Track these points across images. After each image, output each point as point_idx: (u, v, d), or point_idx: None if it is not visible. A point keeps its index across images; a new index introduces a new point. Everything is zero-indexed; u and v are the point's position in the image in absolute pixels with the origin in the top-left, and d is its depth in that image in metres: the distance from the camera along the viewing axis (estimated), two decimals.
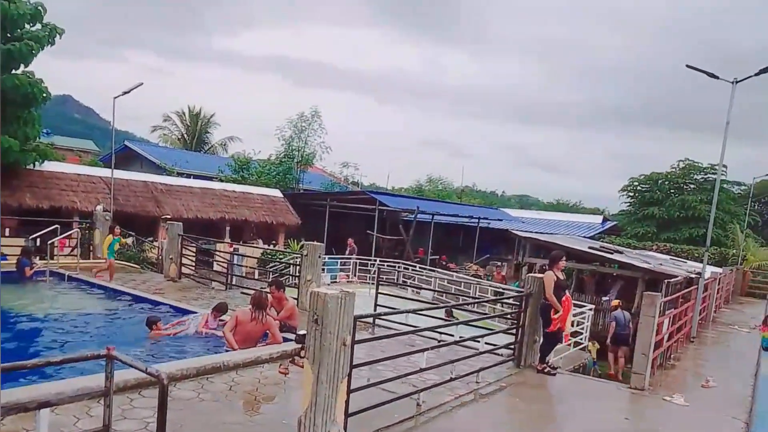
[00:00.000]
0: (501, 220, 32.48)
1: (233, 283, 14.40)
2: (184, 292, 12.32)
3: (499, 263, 32.30)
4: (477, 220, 30.62)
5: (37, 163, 17.31)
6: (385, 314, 8.69)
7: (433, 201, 32.43)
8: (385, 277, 20.45)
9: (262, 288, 10.07)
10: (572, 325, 10.93)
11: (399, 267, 20.42)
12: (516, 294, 9.81)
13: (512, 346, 8.77)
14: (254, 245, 23.33)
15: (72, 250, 16.16)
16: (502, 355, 8.65)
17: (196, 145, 45.27)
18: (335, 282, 20.43)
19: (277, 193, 26.18)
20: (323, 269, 19.69)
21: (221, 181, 27.14)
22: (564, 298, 8.46)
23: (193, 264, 14.90)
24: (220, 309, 9.24)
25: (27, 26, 16.29)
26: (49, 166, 18.33)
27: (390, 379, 6.11)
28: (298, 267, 12.56)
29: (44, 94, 16.53)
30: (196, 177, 27.23)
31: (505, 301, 12.90)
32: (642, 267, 15.96)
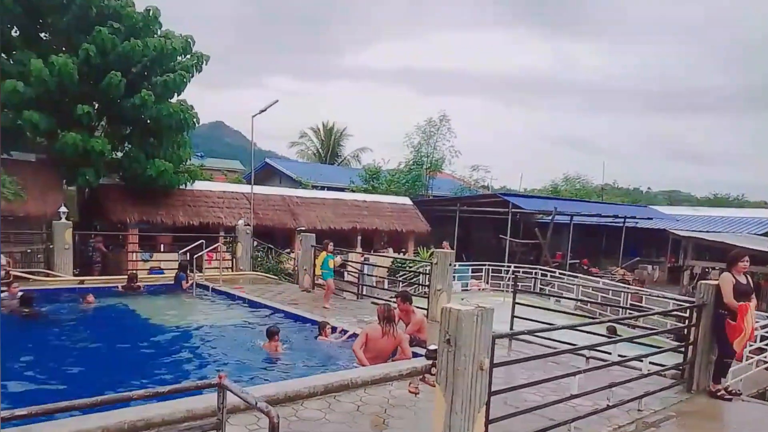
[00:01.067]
0: (651, 218, 29.46)
1: (364, 292, 14.36)
2: (317, 303, 12.41)
3: (651, 267, 29.30)
4: (623, 220, 28.04)
5: (188, 183, 18.75)
6: (532, 332, 7.80)
7: (571, 201, 30.34)
8: (520, 284, 19.35)
9: (390, 298, 9.72)
10: (756, 341, 9.19)
11: (536, 273, 19.11)
12: (685, 305, 8.35)
13: (681, 367, 7.47)
14: (384, 254, 23.39)
15: (220, 263, 17.33)
16: (667, 376, 7.40)
17: (331, 158, 47.04)
18: (466, 290, 19.68)
19: (406, 200, 26.09)
20: (454, 276, 19.24)
21: (353, 191, 27.67)
22: (745, 305, 7.03)
23: None
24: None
25: (179, 58, 17.83)
26: (199, 185, 19.83)
27: (535, 408, 5.33)
28: (427, 276, 12.07)
29: (194, 119, 17.90)
30: (329, 189, 28.08)
31: (673, 313, 11.29)
32: None
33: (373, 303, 12.63)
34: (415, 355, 7.71)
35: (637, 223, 29.54)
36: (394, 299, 8.57)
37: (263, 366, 8.01)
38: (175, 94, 17.42)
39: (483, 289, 20.43)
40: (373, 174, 29.96)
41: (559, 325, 7.19)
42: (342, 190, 27.87)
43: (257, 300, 11.99)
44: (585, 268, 27.04)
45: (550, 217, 24.61)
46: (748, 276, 7.36)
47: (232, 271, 16.99)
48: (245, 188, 21.90)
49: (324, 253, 12.06)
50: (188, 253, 13.96)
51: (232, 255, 17.00)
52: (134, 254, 17.01)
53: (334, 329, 9.46)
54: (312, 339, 9.36)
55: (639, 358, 7.09)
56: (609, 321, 9.30)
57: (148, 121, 17.14)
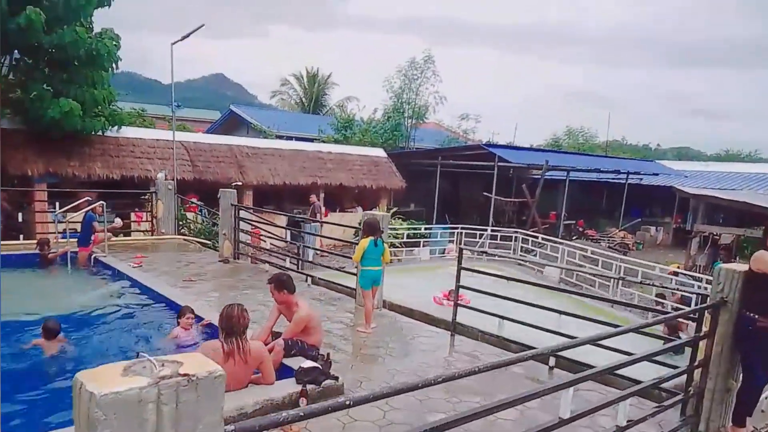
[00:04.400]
0: (657, 174, 26.42)
1: (302, 268, 11.40)
2: (222, 280, 9.73)
3: (654, 228, 26.49)
4: (625, 176, 25.03)
5: (108, 129, 15.82)
6: None
7: (567, 153, 27.23)
8: (498, 250, 16.60)
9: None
10: None
11: (517, 237, 16.29)
12: (686, 309, 5.32)
13: (684, 397, 4.81)
14: (354, 212, 20.64)
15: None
16: (663, 398, 4.73)
17: (314, 108, 43.76)
18: (443, 256, 16.96)
19: (379, 152, 23.07)
20: (422, 242, 16.46)
21: (323, 142, 24.66)
22: None
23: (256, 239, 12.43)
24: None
25: None
26: (126, 132, 16.90)
27: None
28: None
29: (109, 51, 14.80)
30: (298, 139, 25.08)
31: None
32: None
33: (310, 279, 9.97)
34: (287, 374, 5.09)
35: (641, 179, 26.54)
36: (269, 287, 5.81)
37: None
38: (81, 18, 14.32)
39: (484, 250, 17.65)
40: (346, 123, 26.77)
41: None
42: (311, 140, 24.86)
43: (129, 274, 9.24)
44: (580, 230, 24.29)
45: (545, 173, 21.64)
46: None
47: (152, 234, 14.33)
48: (188, 136, 18.99)
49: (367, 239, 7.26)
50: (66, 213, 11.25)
51: (151, 215, 14.28)
52: (44, 214, 14.32)
53: (199, 319, 6.79)
54: (164, 333, 6.74)
55: (614, 370, 4.35)
56: (564, 313, 6.50)
57: (51, 51, 14.10)
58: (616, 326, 5.66)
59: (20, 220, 13.53)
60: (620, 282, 11.19)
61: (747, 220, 13.03)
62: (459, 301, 9.60)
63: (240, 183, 16.80)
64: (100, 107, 15.55)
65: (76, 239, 10.99)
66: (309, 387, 4.94)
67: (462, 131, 31.19)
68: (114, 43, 15.29)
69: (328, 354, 5.68)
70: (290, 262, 10.70)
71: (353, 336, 7.06)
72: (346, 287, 9.20)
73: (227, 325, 4.67)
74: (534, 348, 6.68)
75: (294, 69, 44.11)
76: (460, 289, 7.26)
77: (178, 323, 6.56)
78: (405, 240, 16.28)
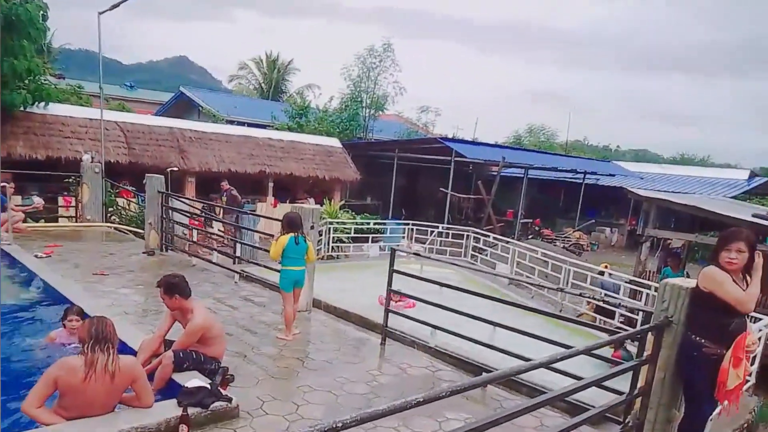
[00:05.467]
0: (613, 175, 26.43)
1: (239, 254, 10.44)
2: (138, 275, 8.82)
3: (609, 230, 26.55)
4: (582, 175, 24.91)
5: (32, 104, 14.52)
6: None
7: (526, 151, 26.95)
8: (449, 249, 16.08)
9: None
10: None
11: (469, 236, 15.76)
12: (630, 332, 4.70)
13: (624, 425, 4.27)
14: (305, 203, 19.75)
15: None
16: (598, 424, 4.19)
17: (274, 94, 42.48)
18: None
19: (334, 142, 22.24)
20: (374, 238, 15.67)
21: (277, 129, 23.64)
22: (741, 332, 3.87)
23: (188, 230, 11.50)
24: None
25: None
26: (54, 109, 15.59)
27: None
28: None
29: (32, 17, 13.49)
30: (251, 126, 23.98)
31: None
32: None
33: (247, 276, 9.12)
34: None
35: (598, 179, 26.49)
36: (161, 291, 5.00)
37: None
38: None
39: (416, 252, 17.08)
40: (301, 110, 25.77)
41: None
42: (264, 127, 23.80)
43: (29, 266, 8.22)
44: (537, 229, 24.06)
45: (502, 170, 21.22)
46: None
47: (77, 221, 13.21)
48: (125, 116, 17.75)
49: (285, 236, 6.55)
50: None
51: (76, 201, 13.15)
52: None
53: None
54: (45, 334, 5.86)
55: (571, 394, 3.74)
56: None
57: None
58: (555, 342, 5.10)
59: None
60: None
61: (698, 225, 12.79)
62: (401, 305, 9.07)
63: (176, 168, 15.74)
64: (24, 80, 14.27)
65: None
66: (194, 411, 4.19)
67: (422, 124, 30.61)
68: (41, 11, 14.04)
69: (227, 368, 4.94)
70: (217, 257, 9.82)
71: (271, 344, 6.31)
72: (277, 285, 8.45)
73: (94, 334, 3.86)
74: (468, 360, 6.15)
75: (255, 54, 42.44)
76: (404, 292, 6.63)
77: (63, 325, 5.69)
78: (354, 235, 15.55)
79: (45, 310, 6.80)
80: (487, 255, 15.08)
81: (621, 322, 10.56)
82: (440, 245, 16.29)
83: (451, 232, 16.21)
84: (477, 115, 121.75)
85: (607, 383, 4.12)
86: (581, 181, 25.14)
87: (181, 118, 22.95)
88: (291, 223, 6.41)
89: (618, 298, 9.95)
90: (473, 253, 15.57)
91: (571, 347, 4.89)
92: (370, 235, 16.00)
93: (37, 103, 14.61)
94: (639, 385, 4.16)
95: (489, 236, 15.29)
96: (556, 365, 3.91)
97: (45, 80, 15.71)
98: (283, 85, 43.44)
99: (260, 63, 43.39)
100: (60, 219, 13.96)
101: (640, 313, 6.13)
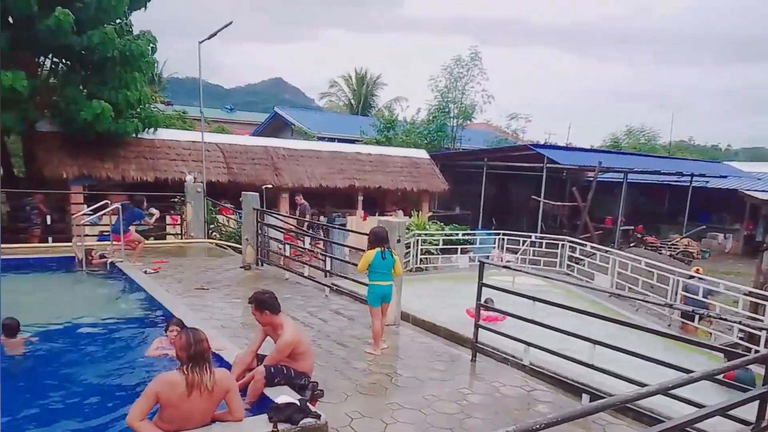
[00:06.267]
0: (725, 176, 24.27)
1: (330, 268, 10.64)
2: (235, 289, 9.18)
3: (723, 236, 24.35)
4: (689, 178, 23.09)
5: (142, 131, 15.71)
6: None
7: (624, 154, 25.43)
8: (543, 259, 15.42)
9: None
10: None
11: (564, 244, 15.00)
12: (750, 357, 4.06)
13: None
14: (394, 215, 19.86)
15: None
16: None
17: (363, 109, 43.43)
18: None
19: (422, 154, 22.21)
20: (459, 249, 15.35)
21: (365, 143, 24.05)
22: None
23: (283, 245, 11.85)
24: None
25: None
26: (162, 134, 16.80)
27: None
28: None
29: (143, 52, 14.63)
30: (340, 141, 24.59)
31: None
32: None
33: (336, 288, 9.25)
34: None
35: (707, 182, 24.44)
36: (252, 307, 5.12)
37: None
38: (112, 18, 14.23)
39: (506, 265, 16.56)
40: (388, 123, 26.01)
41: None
42: (353, 142, 24.29)
43: (138, 281, 8.80)
44: (639, 236, 22.56)
45: (599, 175, 20.15)
46: None
47: (182, 238, 14.08)
48: (224, 138, 18.79)
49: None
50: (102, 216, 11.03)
51: (181, 219, 14.03)
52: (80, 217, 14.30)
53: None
54: (141, 347, 6.22)
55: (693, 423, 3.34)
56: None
57: (83, 53, 14.07)
58: (663, 362, 4.65)
59: (48, 223, 13.50)
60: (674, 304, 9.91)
61: None
62: (491, 319, 8.76)
63: (271, 185, 16.37)
64: (135, 109, 15.51)
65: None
66: (284, 426, 4.22)
67: (512, 131, 29.88)
68: (150, 45, 15.18)
69: (316, 384, 4.95)
70: (309, 271, 10.02)
71: (360, 358, 6.29)
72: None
73: (192, 352, 3.98)
74: (565, 380, 5.77)
75: (345, 71, 43.60)
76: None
77: (166, 336, 6.02)
78: (442, 247, 15.35)
79: (151, 322, 7.25)
80: (584, 265, 14.28)
81: (740, 338, 9.56)
82: (533, 255, 15.69)
83: (544, 241, 15.55)
84: (569, 120, 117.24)
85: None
86: (688, 183, 23.31)
87: (276, 137, 24.00)
88: (377, 238, 6.38)
89: (735, 313, 8.99)
90: (569, 263, 14.82)
91: (680, 367, 4.44)
92: (459, 246, 15.73)
93: (146, 129, 15.81)
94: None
95: (586, 245, 14.49)
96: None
97: (154, 107, 17.03)
98: (371, 100, 44.33)
99: (349, 80, 44.58)
100: (167, 236, 14.99)
101: (765, 331, 5.48)
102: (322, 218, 18.57)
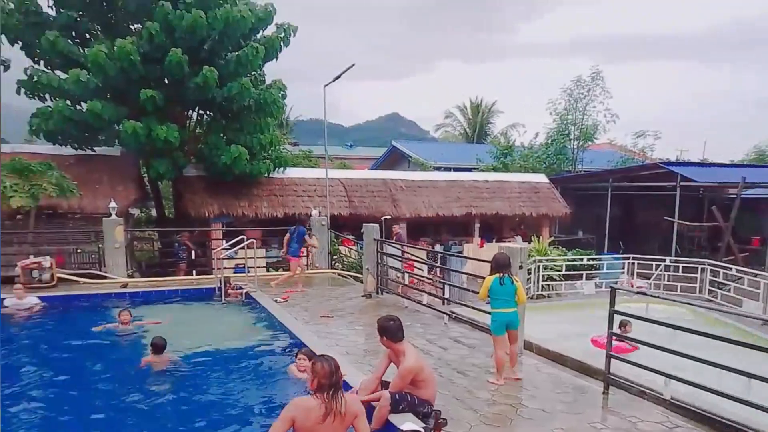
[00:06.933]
0: None
1: (447, 295, 10.66)
2: (358, 317, 9.49)
3: None
4: None
5: (273, 171, 16.97)
6: None
7: None
8: (680, 284, 14.14)
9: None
10: None
11: (705, 268, 13.65)
12: None
13: None
14: (512, 242, 19.46)
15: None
16: None
17: (479, 138, 43.34)
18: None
19: (541, 178, 21.61)
20: (584, 274, 14.53)
21: (482, 171, 23.93)
22: None
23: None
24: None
25: (263, 31, 16.09)
26: (290, 173, 18.03)
27: None
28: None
29: (275, 99, 15.93)
30: (456, 170, 24.69)
31: None
32: None
33: (455, 317, 9.25)
34: None
35: None
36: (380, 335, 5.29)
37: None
38: (249, 70, 15.63)
39: (639, 291, 15.44)
40: (505, 150, 25.66)
41: None
42: (469, 170, 24.25)
43: (270, 310, 9.43)
44: None
45: (743, 191, 18.23)
46: None
47: (308, 268, 14.83)
48: (345, 174, 19.69)
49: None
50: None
51: (307, 251, 14.82)
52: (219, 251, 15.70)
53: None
54: (284, 370, 6.63)
55: None
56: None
57: (224, 104, 15.62)
58: None
59: (193, 257, 14.93)
60: None
61: None
62: (622, 348, 8.20)
63: (389, 216, 16.81)
64: (267, 151, 16.83)
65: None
66: None
67: (639, 150, 28.06)
68: (281, 92, 16.49)
69: (439, 412, 4.96)
70: (427, 299, 10.09)
71: (483, 387, 6.20)
72: (488, 327, 8.37)
73: (333, 381, 4.14)
74: (716, 417, 5.24)
75: (460, 101, 44.04)
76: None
77: (296, 363, 6.42)
78: (565, 272, 14.70)
79: (281, 349, 7.75)
80: (728, 290, 12.89)
81: None
82: (668, 280, 14.47)
83: (680, 265, 14.29)
84: (704, 135, 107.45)
85: None
86: None
87: (393, 170, 24.67)
88: (497, 264, 6.34)
89: None
90: (711, 288, 13.45)
91: None
92: (584, 272, 14.97)
93: (276, 168, 17.07)
94: None
95: (731, 268, 13.10)
96: None
97: (283, 149, 18.37)
98: (486, 128, 44.10)
99: (464, 109, 44.82)
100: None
101: None
102: (438, 246, 18.67)
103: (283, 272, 13.13)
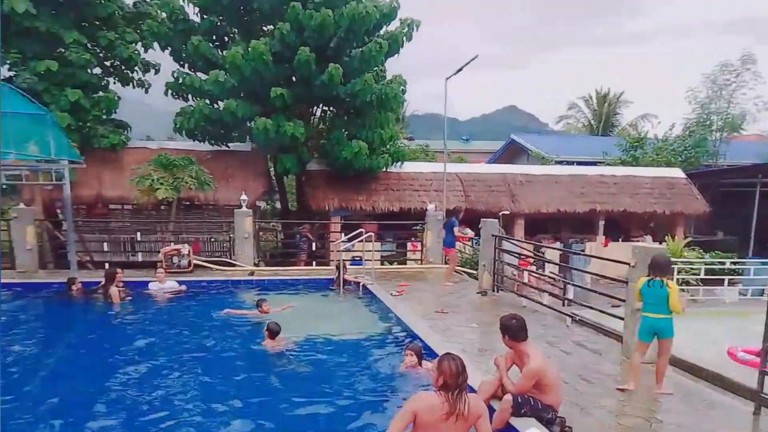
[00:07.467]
0: None
1: (569, 296, 10.16)
2: (473, 314, 9.34)
3: None
4: None
5: (391, 165, 17.18)
6: None
7: None
8: None
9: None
10: None
11: None
12: None
13: None
14: (641, 241, 18.12)
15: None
16: None
17: (604, 129, 40.90)
18: (759, 299, 13.35)
19: (676, 173, 19.82)
20: (736, 276, 13.05)
21: (609, 165, 22.52)
22: None
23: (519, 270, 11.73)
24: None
25: (385, 27, 16.31)
26: (407, 167, 18.16)
27: None
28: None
29: (396, 94, 16.08)
30: (580, 164, 23.45)
31: None
32: None
33: (577, 319, 8.83)
34: None
35: None
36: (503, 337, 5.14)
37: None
38: (372, 66, 15.92)
39: None
40: (635, 142, 23.82)
41: None
42: (594, 164, 22.91)
43: (386, 303, 9.55)
44: None
45: None
46: None
47: (421, 263, 14.89)
48: (463, 168, 19.47)
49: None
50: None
51: (421, 245, 14.87)
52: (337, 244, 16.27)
53: (434, 355, 6.51)
54: (394, 364, 6.67)
55: None
56: None
57: (347, 100, 16.07)
58: None
59: (313, 249, 15.59)
60: None
61: None
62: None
63: (508, 212, 16.35)
64: (386, 146, 17.08)
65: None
66: None
67: None
68: (402, 87, 16.62)
69: (564, 420, 4.73)
70: (548, 300, 9.68)
71: (610, 396, 5.82)
72: (615, 332, 7.88)
73: (454, 382, 4.04)
74: None
75: (584, 92, 41.60)
76: None
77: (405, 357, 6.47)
78: (703, 277, 13.37)
79: (395, 340, 7.85)
80: None
81: None
82: None
83: None
84: None
85: None
86: None
87: (512, 164, 24.01)
88: (651, 265, 5.95)
89: None
90: None
91: None
92: (726, 277, 13.52)
93: (394, 163, 17.29)
94: None
95: None
96: None
97: (401, 143, 18.54)
98: (614, 119, 41.49)
99: (589, 100, 42.49)
100: (408, 261, 16.06)
101: None
102: (558, 244, 17.85)
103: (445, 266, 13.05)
